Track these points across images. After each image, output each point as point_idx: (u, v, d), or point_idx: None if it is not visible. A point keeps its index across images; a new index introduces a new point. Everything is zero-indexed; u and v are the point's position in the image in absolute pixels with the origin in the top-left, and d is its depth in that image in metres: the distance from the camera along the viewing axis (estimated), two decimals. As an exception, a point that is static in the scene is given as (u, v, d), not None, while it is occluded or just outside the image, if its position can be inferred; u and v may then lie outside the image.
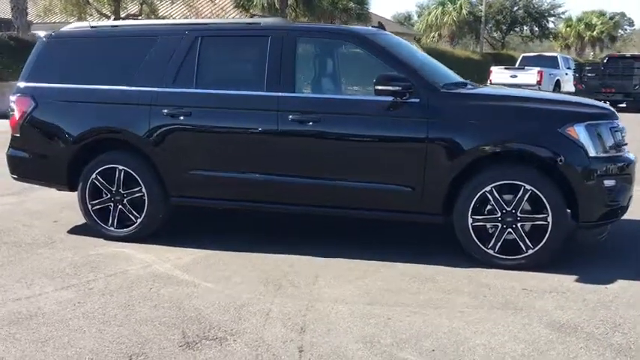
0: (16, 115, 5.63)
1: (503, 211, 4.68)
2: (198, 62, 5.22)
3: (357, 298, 4.23)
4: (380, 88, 4.65)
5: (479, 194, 4.69)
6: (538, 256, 4.67)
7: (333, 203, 5.04)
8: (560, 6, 48.43)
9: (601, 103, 5.49)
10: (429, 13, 41.06)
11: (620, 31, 57.80)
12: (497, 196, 4.66)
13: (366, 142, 4.92)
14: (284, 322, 3.82)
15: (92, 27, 5.71)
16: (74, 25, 6.04)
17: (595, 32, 50.15)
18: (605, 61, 23.08)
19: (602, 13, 52.50)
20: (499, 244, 4.72)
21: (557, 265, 4.71)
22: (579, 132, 4.56)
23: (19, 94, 5.66)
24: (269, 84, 5.02)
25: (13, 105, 5.67)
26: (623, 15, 59.04)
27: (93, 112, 5.42)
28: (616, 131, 4.75)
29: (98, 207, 5.49)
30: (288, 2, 27.56)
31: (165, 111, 5.20)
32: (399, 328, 3.73)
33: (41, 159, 5.63)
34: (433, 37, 40.38)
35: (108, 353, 3.43)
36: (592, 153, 4.57)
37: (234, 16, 31.71)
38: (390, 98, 4.78)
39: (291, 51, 5.04)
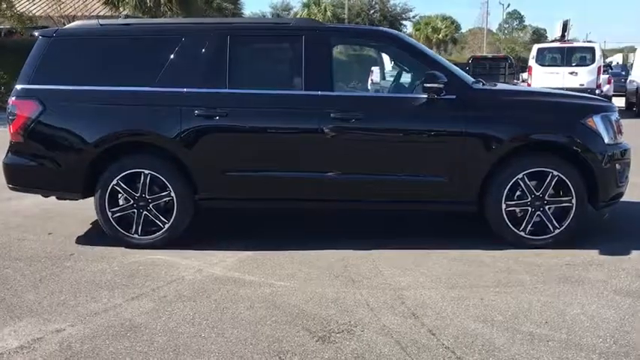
0: (18, 119, 5.19)
1: (532, 195, 5.14)
2: (230, 62, 5.15)
3: (433, 283, 4.46)
4: (428, 85, 4.92)
5: (512, 182, 5.10)
6: (563, 235, 5.18)
7: (374, 198, 5.22)
8: (411, 10, 51.43)
9: (601, 98, 6.16)
10: (295, 15, 41.78)
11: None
12: (528, 183, 5.11)
13: (407, 137, 5.16)
14: (391, 311, 3.96)
15: (102, 25, 5.40)
16: (80, 23, 5.67)
17: (441, 35, 53.90)
18: (470, 61, 25.01)
19: (444, 17, 56.53)
20: (529, 226, 5.17)
21: (574, 242, 5.21)
22: (597, 122, 5.14)
23: (21, 97, 5.22)
24: (307, 83, 5.09)
25: (13, 109, 5.22)
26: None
27: (115, 115, 5.15)
28: (617, 121, 5.39)
29: (119, 214, 5.22)
30: (162, 0, 26.81)
31: (198, 112, 5.08)
32: (498, 307, 4.02)
33: (50, 166, 5.24)
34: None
35: (254, 355, 3.39)
36: (607, 140, 5.16)
37: (101, 13, 30.45)
38: (426, 95, 5.05)
39: (327, 50, 5.16)
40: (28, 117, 5.16)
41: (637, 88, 19.74)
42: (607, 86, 20.22)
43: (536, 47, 19.76)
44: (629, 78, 21.79)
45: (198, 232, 5.60)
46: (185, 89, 5.13)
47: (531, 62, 19.16)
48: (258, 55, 5.48)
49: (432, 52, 5.66)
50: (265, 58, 5.54)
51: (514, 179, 5.11)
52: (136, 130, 5.17)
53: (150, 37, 5.36)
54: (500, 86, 5.95)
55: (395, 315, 3.90)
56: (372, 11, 49.59)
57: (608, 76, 21.57)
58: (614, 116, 5.33)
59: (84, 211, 6.36)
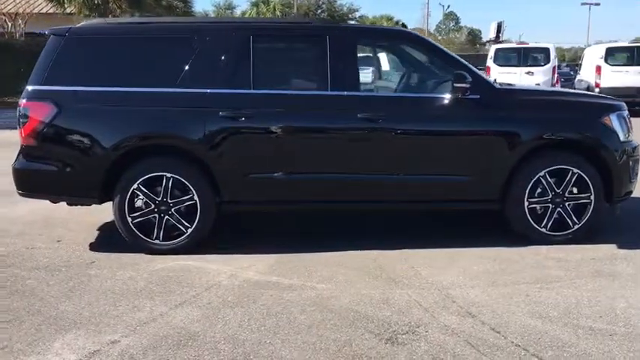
0: (31, 122, 4.95)
1: (553, 192, 5.25)
2: (253, 62, 5.05)
3: (474, 282, 4.50)
4: (458, 85, 4.95)
5: (534, 179, 5.21)
6: (581, 231, 5.32)
7: (400, 198, 5.23)
8: (357, 10, 51.77)
9: (612, 97, 6.32)
10: (244, 14, 41.48)
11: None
12: (549, 180, 5.22)
13: (434, 137, 5.18)
14: (446, 310, 3.97)
15: (120, 23, 5.21)
16: (96, 21, 5.46)
17: (386, 35, 54.54)
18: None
19: (389, 18, 57.28)
20: (550, 222, 5.29)
21: (589, 238, 5.35)
22: (613, 120, 5.30)
23: (34, 99, 4.98)
24: (333, 83, 5.05)
25: (25, 111, 4.97)
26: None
27: (136, 117, 4.98)
28: (628, 119, 5.57)
29: (140, 220, 5.06)
30: (111, -3, 26.14)
31: (223, 113, 4.96)
32: (546, 303, 4.08)
33: (66, 171, 5.01)
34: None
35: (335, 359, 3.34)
36: (622, 138, 5.32)
37: (44, 11, 29.46)
38: (450, 95, 5.09)
39: (352, 50, 5.13)
40: (43, 120, 4.92)
41: (587, 87, 20.46)
42: (556, 86, 20.90)
43: (493, 48, 20.26)
44: (578, 77, 22.57)
45: (214, 235, 5.45)
46: (208, 90, 5.00)
47: (489, 62, 19.62)
48: (282, 55, 5.39)
49: (452, 53, 5.70)
50: (288, 59, 5.46)
51: (536, 177, 5.20)
52: (158, 132, 5.02)
53: (170, 36, 5.21)
54: (518, 86, 6.05)
55: (451, 314, 3.91)
56: (319, 11, 49.62)
57: (557, 75, 22.30)
58: (626, 114, 5.51)
59: (84, 216, 6.18)
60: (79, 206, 5.63)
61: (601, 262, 4.90)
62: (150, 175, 4.99)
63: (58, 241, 5.54)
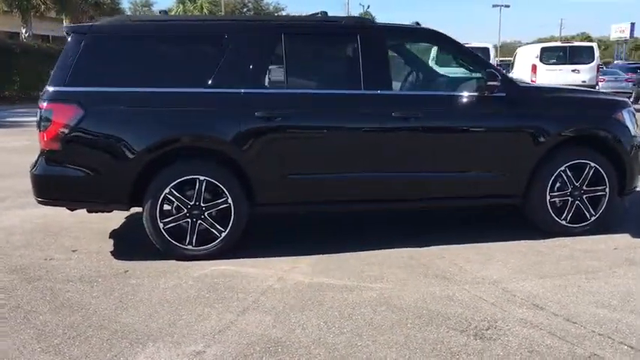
0: (55, 126, 4.67)
1: (572, 186, 5.47)
2: (286, 61, 4.97)
3: (520, 275, 4.61)
4: (491, 83, 5.06)
5: (555, 174, 5.40)
6: (598, 222, 5.56)
7: (436, 195, 5.29)
8: (283, 9, 51.80)
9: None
10: (169, 12, 40.56)
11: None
12: (570, 174, 5.43)
13: (467, 135, 5.27)
14: (514, 304, 4.05)
15: (145, 21, 5.00)
16: (117, 19, 5.18)
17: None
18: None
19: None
20: (569, 215, 5.50)
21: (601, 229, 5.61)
22: (625, 116, 5.56)
23: (57, 101, 4.69)
24: (366, 82, 5.04)
25: (47, 114, 4.69)
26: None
27: (169, 118, 4.79)
28: (635, 115, 5.87)
29: (171, 225, 4.88)
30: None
31: (259, 114, 4.86)
32: (601, 292, 4.24)
33: (94, 176, 4.76)
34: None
35: (430, 358, 3.35)
36: (632, 132, 5.60)
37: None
38: (477, 93, 5.20)
39: (384, 49, 5.13)
40: (67, 123, 4.65)
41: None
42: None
43: (538, 47, 20.57)
44: (510, 75, 23.41)
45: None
46: (242, 90, 4.88)
47: (535, 61, 19.88)
48: (314, 54, 5.32)
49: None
50: (320, 58, 5.39)
51: (557, 172, 5.39)
52: (193, 133, 4.84)
53: (202, 35, 5.04)
54: (538, 84, 6.23)
55: (519, 307, 3.99)
56: (245, 9, 49.33)
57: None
58: (633, 110, 5.80)
59: (85, 224, 5.97)
60: (73, 213, 5.51)
61: (627, 251, 5.13)
62: (183, 179, 4.81)
63: (73, 250, 5.26)
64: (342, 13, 44.12)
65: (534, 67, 19.49)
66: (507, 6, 72.74)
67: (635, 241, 5.39)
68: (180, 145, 4.83)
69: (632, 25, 54.75)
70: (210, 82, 4.85)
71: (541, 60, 19.48)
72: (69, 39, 4.83)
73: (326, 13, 5.30)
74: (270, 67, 4.97)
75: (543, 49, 19.86)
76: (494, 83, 5.05)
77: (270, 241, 5.50)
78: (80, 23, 28.51)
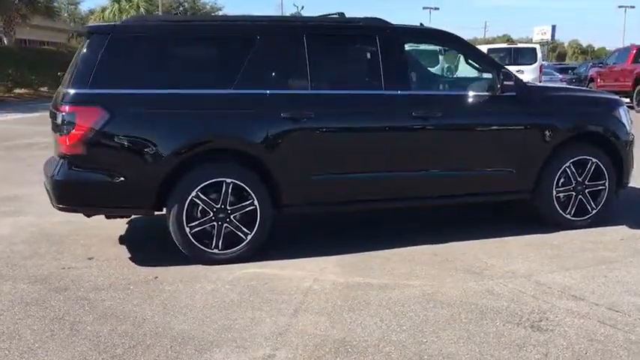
0: (79, 129, 4.52)
1: (576, 181, 5.71)
2: (309, 62, 4.98)
3: (547, 267, 4.77)
4: (507, 83, 5.22)
5: (561, 170, 5.63)
6: (598, 215, 5.84)
7: (455, 192, 5.41)
8: (220, 9, 51.29)
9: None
10: (104, 10, 39.52)
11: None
12: (573, 170, 5.67)
13: (483, 133, 5.42)
14: (553, 296, 4.20)
15: (168, 22, 4.89)
16: (142, 18, 5.04)
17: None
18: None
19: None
20: (573, 209, 5.75)
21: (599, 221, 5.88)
22: (622, 113, 5.86)
23: (80, 104, 4.53)
24: (387, 82, 5.11)
25: (70, 117, 4.52)
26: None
27: (196, 120, 4.71)
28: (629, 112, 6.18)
29: (198, 229, 4.81)
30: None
31: (285, 114, 4.85)
32: (628, 281, 4.44)
33: (119, 181, 4.62)
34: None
35: (500, 352, 3.44)
36: (628, 129, 5.91)
37: None
38: (489, 93, 5.36)
39: (401, 49, 5.22)
40: (92, 126, 4.50)
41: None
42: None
43: (485, 49, 20.90)
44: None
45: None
46: (268, 91, 4.85)
47: None
48: (335, 55, 5.31)
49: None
50: (342, 58, 5.39)
51: (562, 168, 5.62)
52: (222, 135, 4.78)
53: (226, 35, 4.96)
54: (542, 84, 6.45)
55: (560, 299, 4.15)
56: (180, 8, 48.59)
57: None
58: (627, 108, 6.11)
59: (85, 230, 5.79)
60: (65, 220, 5.45)
61: (632, 241, 5.41)
62: (210, 182, 4.74)
63: (89, 258, 5.09)
64: (276, 14, 44.01)
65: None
66: (437, 8, 74.79)
67: (636, 232, 5.67)
68: (210, 147, 4.76)
69: (554, 27, 57.35)
70: (235, 83, 4.80)
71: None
72: (88, 39, 4.67)
73: (343, 14, 5.34)
74: (294, 67, 4.95)
75: (489, 51, 20.49)
76: (510, 83, 5.21)
77: (287, 242, 5.47)
78: (11, 21, 27.17)
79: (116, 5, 38.98)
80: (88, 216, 5.09)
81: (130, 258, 5.06)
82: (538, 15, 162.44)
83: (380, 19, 5.27)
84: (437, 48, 5.93)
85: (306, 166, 4.94)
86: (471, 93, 5.35)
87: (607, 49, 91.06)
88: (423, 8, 69.35)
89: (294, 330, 3.71)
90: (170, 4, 46.87)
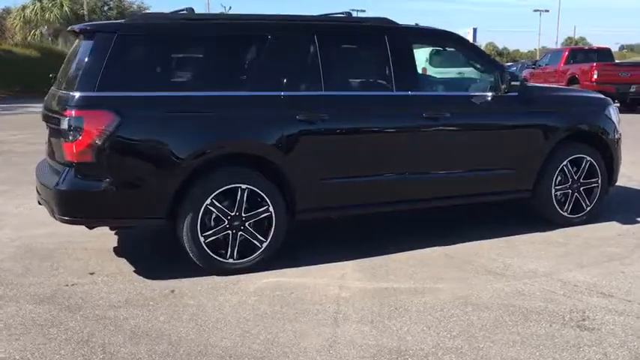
0: (87, 135, 4.21)
1: (572, 179, 5.83)
2: (322, 63, 4.84)
3: (563, 266, 4.81)
4: (514, 83, 5.25)
5: (559, 168, 5.73)
6: (592, 212, 5.98)
7: (463, 193, 5.40)
8: (147, 9, 49.85)
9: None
10: (24, 8, 37.69)
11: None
12: (570, 168, 5.79)
13: (491, 133, 5.42)
14: (582, 294, 4.23)
15: (179, 20, 4.61)
16: (150, 16, 4.74)
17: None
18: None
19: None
20: (570, 206, 5.87)
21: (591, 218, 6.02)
22: (612, 113, 6.03)
23: (88, 108, 4.22)
24: (397, 83, 5.04)
25: (77, 122, 4.20)
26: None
27: (211, 124, 4.49)
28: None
29: (212, 238, 4.59)
30: None
31: (300, 117, 4.70)
32: (644, 276, 4.58)
33: (131, 189, 4.35)
34: (35, 34, 37.34)
35: (555, 354, 3.42)
36: (618, 128, 6.08)
37: None
38: (492, 93, 5.39)
39: (410, 50, 5.16)
40: (103, 131, 4.20)
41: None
42: None
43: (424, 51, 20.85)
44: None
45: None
46: (282, 93, 4.68)
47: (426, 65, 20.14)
48: (345, 55, 5.19)
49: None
50: (351, 58, 5.27)
51: (560, 166, 5.72)
52: (239, 139, 4.57)
53: (238, 35, 4.73)
54: (541, 84, 6.54)
55: (591, 296, 4.19)
56: (106, 7, 47.01)
57: None
58: (615, 107, 6.29)
59: (72, 244, 5.44)
60: (48, 232, 5.17)
61: (630, 236, 5.56)
62: (225, 188, 4.52)
63: (91, 273, 4.76)
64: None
65: (424, 70, 20.37)
66: (363, 10, 75.79)
67: (629, 227, 5.83)
68: (226, 151, 4.54)
69: (475, 30, 59.18)
70: (249, 84, 4.60)
71: (430, 63, 20.38)
72: (92, 39, 4.36)
73: (350, 13, 5.23)
74: (307, 68, 4.80)
75: (432, 53, 20.83)
76: (515, 83, 5.25)
77: (297, 248, 5.29)
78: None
79: (37, 4, 37.21)
80: (91, 228, 4.75)
81: (135, 271, 4.77)
82: (463, 19, 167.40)
83: (388, 19, 5.18)
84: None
85: (321, 169, 4.80)
86: (477, 93, 5.35)
87: (521, 51, 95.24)
88: (350, 9, 69.89)
89: (343, 341, 3.57)
90: (95, 2, 45.17)
